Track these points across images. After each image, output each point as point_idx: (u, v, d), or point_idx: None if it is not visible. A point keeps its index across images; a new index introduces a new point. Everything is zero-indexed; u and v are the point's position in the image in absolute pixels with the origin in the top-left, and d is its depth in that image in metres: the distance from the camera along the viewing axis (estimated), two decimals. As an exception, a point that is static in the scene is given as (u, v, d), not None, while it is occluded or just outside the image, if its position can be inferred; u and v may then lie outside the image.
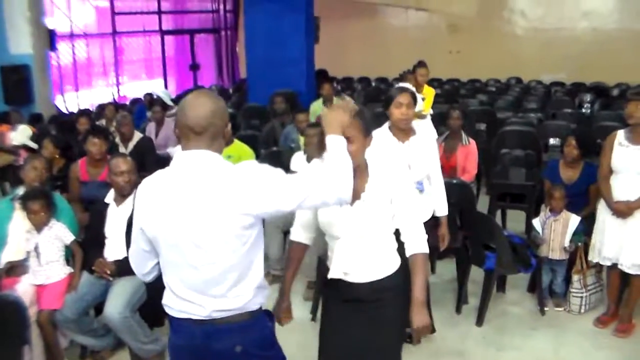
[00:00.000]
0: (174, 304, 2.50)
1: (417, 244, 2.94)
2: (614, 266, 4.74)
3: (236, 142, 5.94)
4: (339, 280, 2.94)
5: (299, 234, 3.12)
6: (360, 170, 2.80)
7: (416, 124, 6.50)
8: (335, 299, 3.03)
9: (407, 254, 2.96)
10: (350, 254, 2.90)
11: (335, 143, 2.41)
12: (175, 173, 2.39)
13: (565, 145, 5.56)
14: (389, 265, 2.97)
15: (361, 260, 2.90)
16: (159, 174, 2.46)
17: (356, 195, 2.77)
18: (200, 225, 2.32)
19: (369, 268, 2.92)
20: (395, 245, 2.99)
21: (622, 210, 4.59)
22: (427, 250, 2.97)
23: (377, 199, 2.85)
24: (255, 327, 2.53)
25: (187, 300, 2.45)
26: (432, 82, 7.72)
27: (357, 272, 2.91)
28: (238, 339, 2.47)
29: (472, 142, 6.32)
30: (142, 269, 2.63)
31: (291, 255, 3.16)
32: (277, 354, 2.66)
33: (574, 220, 5.09)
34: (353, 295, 2.95)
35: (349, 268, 2.90)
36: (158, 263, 2.56)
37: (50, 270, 4.33)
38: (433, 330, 4.61)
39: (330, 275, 2.96)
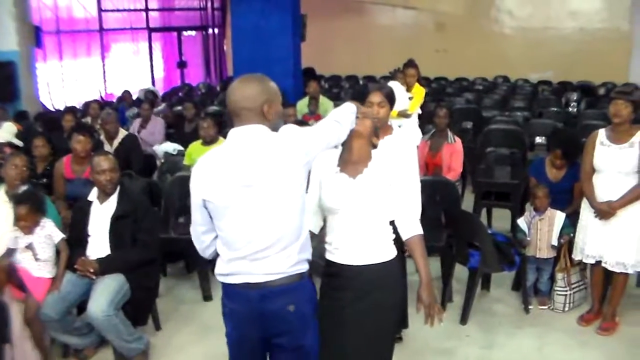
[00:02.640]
0: (232, 269, 2.76)
1: (412, 226, 3.13)
2: (598, 264, 4.77)
3: (221, 139, 5.92)
4: (334, 267, 3.08)
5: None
6: (364, 148, 3.08)
7: (400, 122, 6.53)
8: (332, 290, 3.11)
9: (403, 237, 3.12)
10: (347, 230, 3.04)
11: (349, 104, 3.04)
12: (235, 144, 2.70)
13: (553, 157, 5.57)
14: (384, 252, 3.07)
15: (357, 238, 3.03)
16: (215, 150, 2.78)
17: (359, 170, 3.06)
18: (271, 184, 2.65)
19: (364, 249, 3.03)
20: (392, 236, 3.10)
21: (604, 211, 4.61)
22: (421, 231, 3.15)
23: (377, 178, 3.04)
24: (305, 287, 2.85)
25: (250, 259, 2.71)
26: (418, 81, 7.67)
27: (353, 251, 3.03)
28: (291, 299, 2.77)
29: (458, 140, 6.34)
30: (204, 243, 2.88)
31: None
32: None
33: (559, 217, 5.12)
34: (348, 285, 3.04)
35: (346, 245, 3.04)
36: (216, 237, 2.83)
37: (44, 267, 4.31)
38: (406, 326, 4.59)
39: (328, 257, 3.12)
